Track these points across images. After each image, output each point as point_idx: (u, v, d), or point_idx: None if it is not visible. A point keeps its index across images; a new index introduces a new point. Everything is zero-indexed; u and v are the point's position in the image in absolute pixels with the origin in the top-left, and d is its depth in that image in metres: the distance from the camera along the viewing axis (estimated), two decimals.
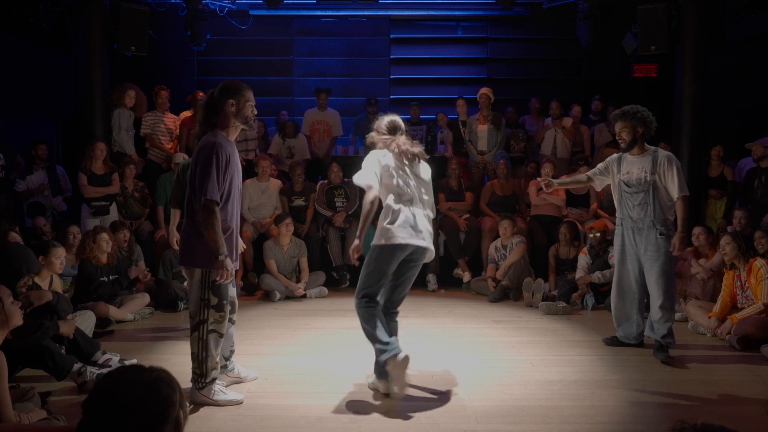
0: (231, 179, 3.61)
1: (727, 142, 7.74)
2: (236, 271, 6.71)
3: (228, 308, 3.72)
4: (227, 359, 4.02)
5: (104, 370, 3.99)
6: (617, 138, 4.76)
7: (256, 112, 3.75)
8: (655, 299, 4.60)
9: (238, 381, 4.04)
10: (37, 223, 6.58)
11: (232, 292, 3.90)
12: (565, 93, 9.87)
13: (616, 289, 4.87)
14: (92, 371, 3.91)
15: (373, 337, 3.77)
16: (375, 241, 3.81)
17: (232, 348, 4.07)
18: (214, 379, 3.68)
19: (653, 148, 4.72)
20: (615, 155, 4.89)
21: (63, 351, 4.05)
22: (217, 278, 3.55)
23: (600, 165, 4.96)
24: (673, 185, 4.54)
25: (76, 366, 3.91)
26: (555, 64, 10.98)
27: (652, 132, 4.68)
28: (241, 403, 3.69)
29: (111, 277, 5.69)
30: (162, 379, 1.65)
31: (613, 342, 4.96)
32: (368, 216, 3.82)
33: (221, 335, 3.70)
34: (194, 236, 3.59)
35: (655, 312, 4.61)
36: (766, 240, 5.38)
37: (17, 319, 3.18)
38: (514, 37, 10.99)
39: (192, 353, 3.66)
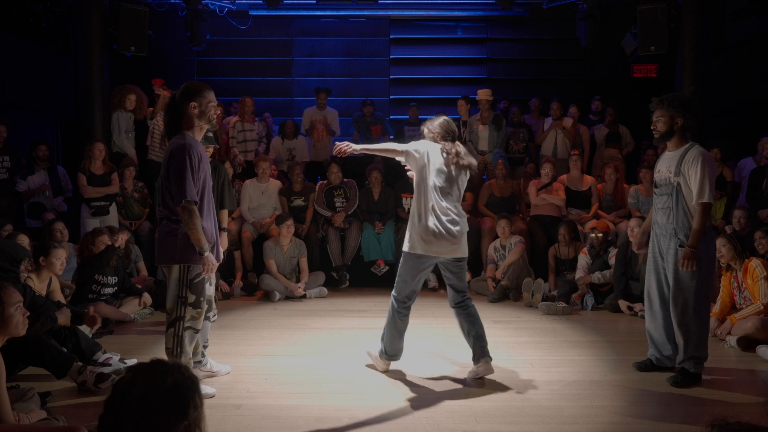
0: (204, 178, 3.70)
1: (727, 142, 7.73)
2: (237, 272, 6.87)
3: (205, 306, 3.80)
4: (201, 354, 4.08)
5: (105, 370, 4.00)
6: (652, 128, 4.09)
7: (219, 112, 3.76)
8: (673, 318, 4.09)
9: (211, 375, 4.13)
10: (56, 222, 6.54)
11: (210, 290, 3.95)
12: (565, 93, 9.86)
13: (646, 301, 4.32)
14: (92, 370, 3.91)
15: None
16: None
17: (205, 343, 4.17)
18: None
19: (690, 143, 4.02)
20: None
21: (64, 350, 4.04)
22: (204, 273, 3.65)
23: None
24: (694, 188, 3.91)
25: (76, 365, 3.90)
26: (554, 64, 10.98)
27: (696, 125, 3.99)
28: (214, 396, 3.75)
29: (110, 278, 5.65)
30: (183, 377, 1.66)
31: (646, 367, 4.30)
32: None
33: (196, 331, 3.79)
34: (170, 235, 3.65)
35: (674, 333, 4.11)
36: (766, 240, 5.38)
37: (18, 328, 3.07)
38: (514, 38, 10.98)
39: (167, 348, 3.75)
